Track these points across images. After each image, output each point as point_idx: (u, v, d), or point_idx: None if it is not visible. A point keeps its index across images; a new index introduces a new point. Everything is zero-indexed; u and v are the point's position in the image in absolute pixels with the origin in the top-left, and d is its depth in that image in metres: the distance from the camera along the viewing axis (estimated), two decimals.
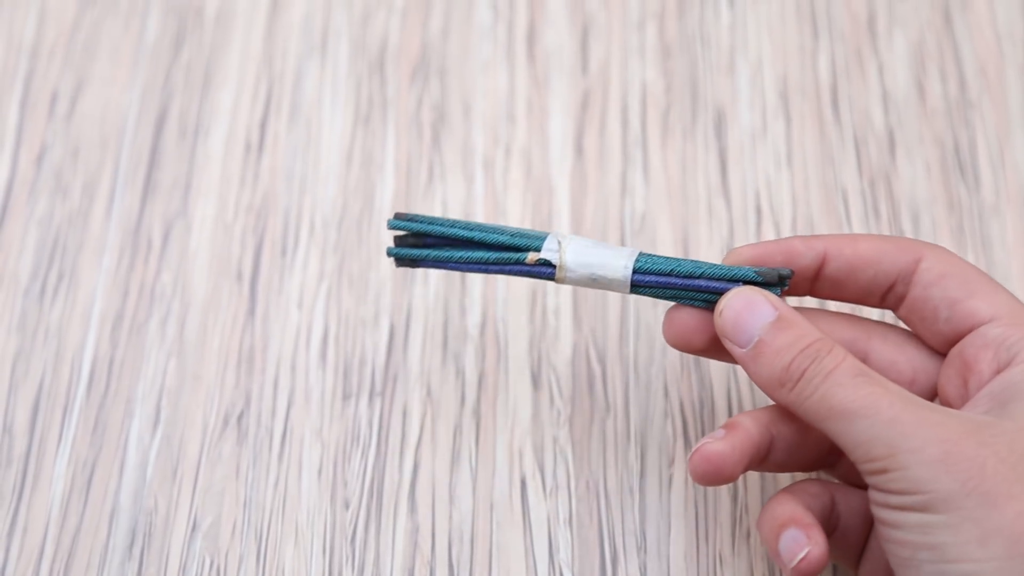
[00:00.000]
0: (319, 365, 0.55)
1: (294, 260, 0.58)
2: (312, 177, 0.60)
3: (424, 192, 0.59)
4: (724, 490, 0.52)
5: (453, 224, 0.48)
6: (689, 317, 0.47)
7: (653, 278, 0.46)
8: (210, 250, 0.58)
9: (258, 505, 0.52)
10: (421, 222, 0.48)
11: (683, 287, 0.46)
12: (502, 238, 0.47)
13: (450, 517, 0.52)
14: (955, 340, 0.46)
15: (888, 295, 0.47)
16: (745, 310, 0.45)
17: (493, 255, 0.48)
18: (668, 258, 0.47)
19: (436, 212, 0.59)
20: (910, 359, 0.47)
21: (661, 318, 0.56)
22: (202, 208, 0.59)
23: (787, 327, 0.44)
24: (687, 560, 0.51)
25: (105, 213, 0.59)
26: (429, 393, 0.55)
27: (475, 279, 0.57)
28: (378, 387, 0.55)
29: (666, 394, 0.55)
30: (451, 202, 0.59)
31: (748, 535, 0.52)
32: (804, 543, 0.44)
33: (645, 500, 0.52)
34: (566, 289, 0.57)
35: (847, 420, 0.43)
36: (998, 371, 0.44)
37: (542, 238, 0.47)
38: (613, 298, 0.56)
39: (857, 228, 0.58)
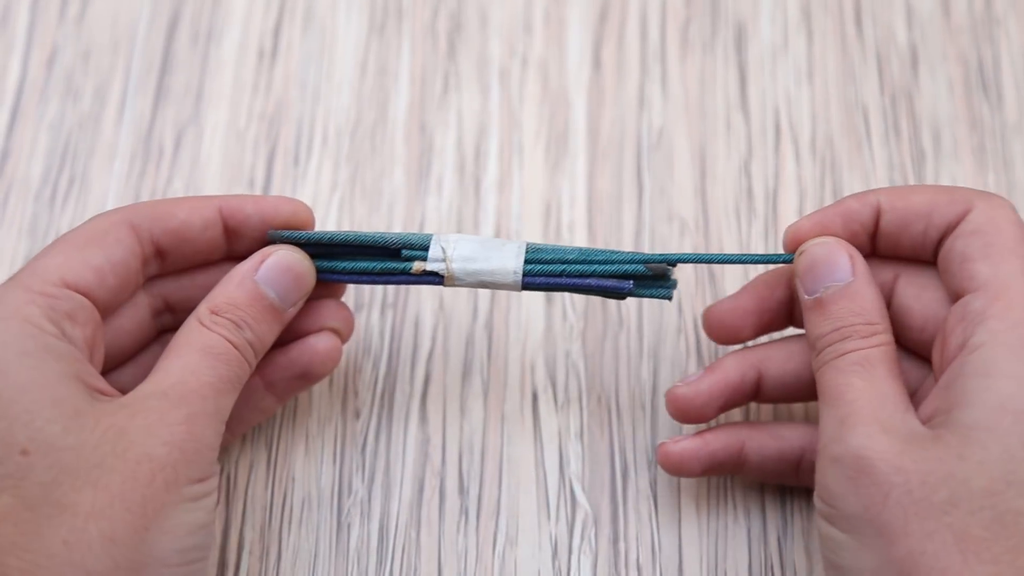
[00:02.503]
0: None
1: (307, 169, 0.57)
2: (326, 86, 0.59)
3: (439, 103, 0.59)
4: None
5: (333, 237, 0.47)
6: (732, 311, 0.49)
7: (544, 279, 0.47)
8: (222, 157, 0.57)
9: None
10: (301, 236, 0.47)
11: (574, 287, 0.47)
12: (388, 239, 0.47)
13: (461, 429, 0.52)
14: (956, 301, 0.44)
15: (939, 249, 0.45)
16: (823, 263, 0.45)
17: (379, 265, 0.47)
18: (558, 251, 0.47)
19: (451, 123, 0.58)
20: (926, 307, 0.45)
21: (676, 234, 0.55)
22: (214, 115, 0.58)
23: (851, 298, 0.44)
24: None
25: (116, 118, 0.58)
26: (441, 305, 0.54)
27: (490, 190, 0.56)
28: (390, 298, 0.54)
29: (680, 310, 0.54)
30: (466, 113, 0.58)
31: None
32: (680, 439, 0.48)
33: (656, 415, 0.52)
34: (581, 203, 0.56)
35: (824, 403, 0.43)
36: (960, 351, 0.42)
37: (427, 242, 0.47)
38: (628, 213, 0.56)
39: (877, 146, 0.57)
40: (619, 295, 0.47)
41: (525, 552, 0.50)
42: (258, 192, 0.57)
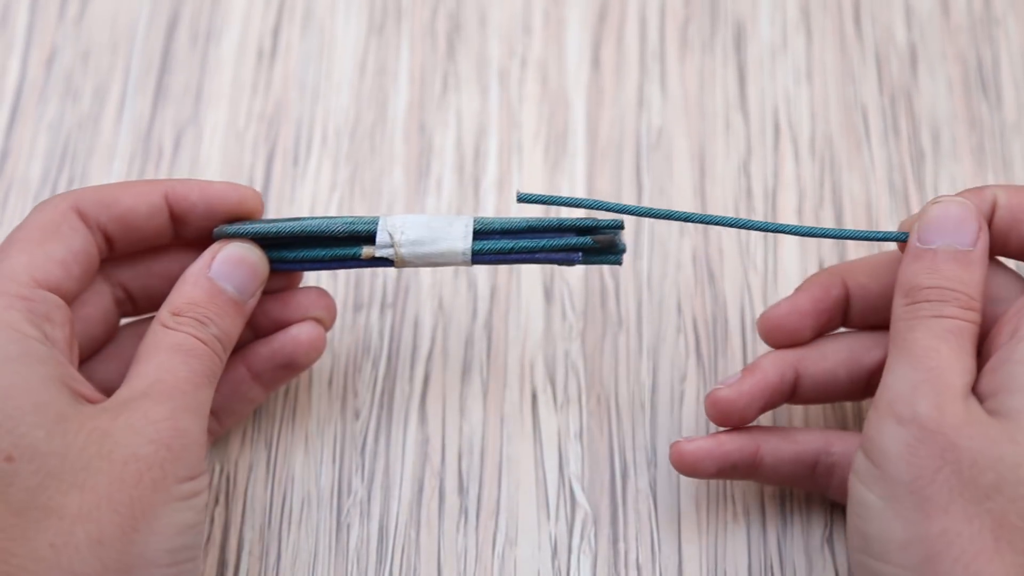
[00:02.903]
0: (330, 275, 0.55)
1: (306, 169, 0.57)
2: (325, 86, 0.59)
3: (438, 103, 0.59)
4: None
5: (280, 230, 0.47)
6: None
7: (492, 257, 0.47)
8: (222, 158, 0.57)
9: (268, 414, 0.52)
10: (247, 231, 0.47)
11: (524, 261, 0.47)
12: (334, 227, 0.47)
13: (460, 429, 0.52)
14: None
15: None
16: (955, 220, 0.44)
17: (329, 252, 0.47)
18: (507, 224, 0.47)
19: (450, 123, 0.58)
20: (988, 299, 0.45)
21: (676, 234, 0.55)
22: (213, 115, 0.58)
23: (965, 265, 0.43)
24: None
25: (116, 118, 0.58)
26: (441, 305, 0.54)
27: (489, 190, 0.56)
28: (390, 298, 0.54)
29: (679, 310, 0.54)
30: (465, 113, 0.58)
31: None
32: (694, 439, 0.48)
33: (656, 415, 0.52)
34: None
35: (901, 358, 0.42)
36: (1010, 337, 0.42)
37: (373, 229, 0.47)
38: None
39: (876, 146, 0.57)
40: (568, 264, 0.47)
41: (525, 552, 0.50)
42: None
